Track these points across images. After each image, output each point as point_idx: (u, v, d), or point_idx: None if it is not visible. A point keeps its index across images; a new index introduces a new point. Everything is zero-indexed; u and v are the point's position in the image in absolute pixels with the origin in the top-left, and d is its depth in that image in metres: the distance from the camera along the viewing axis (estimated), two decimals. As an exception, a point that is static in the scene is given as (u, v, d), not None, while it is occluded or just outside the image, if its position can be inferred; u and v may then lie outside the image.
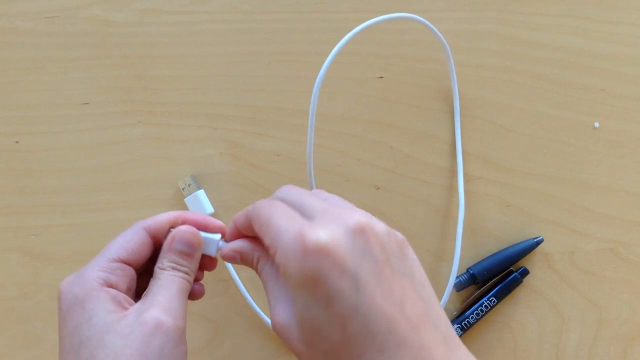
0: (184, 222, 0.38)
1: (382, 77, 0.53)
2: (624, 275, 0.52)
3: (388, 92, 0.53)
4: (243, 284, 0.51)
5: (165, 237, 0.38)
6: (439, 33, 0.50)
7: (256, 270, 0.35)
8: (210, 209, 0.51)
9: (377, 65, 0.53)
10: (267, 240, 0.33)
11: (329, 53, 0.49)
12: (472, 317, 0.51)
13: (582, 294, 0.52)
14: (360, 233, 0.31)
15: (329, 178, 0.52)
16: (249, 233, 0.36)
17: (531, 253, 0.52)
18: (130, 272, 0.36)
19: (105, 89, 0.52)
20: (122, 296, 0.35)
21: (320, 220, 0.31)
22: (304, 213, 0.32)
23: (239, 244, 0.36)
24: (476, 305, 0.51)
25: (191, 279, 0.37)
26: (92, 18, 0.52)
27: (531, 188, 0.52)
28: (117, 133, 0.52)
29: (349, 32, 0.52)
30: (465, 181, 0.52)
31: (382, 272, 0.30)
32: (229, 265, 0.51)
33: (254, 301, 0.51)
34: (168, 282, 0.36)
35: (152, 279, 0.36)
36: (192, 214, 0.38)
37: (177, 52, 0.52)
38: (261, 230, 0.33)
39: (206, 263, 0.39)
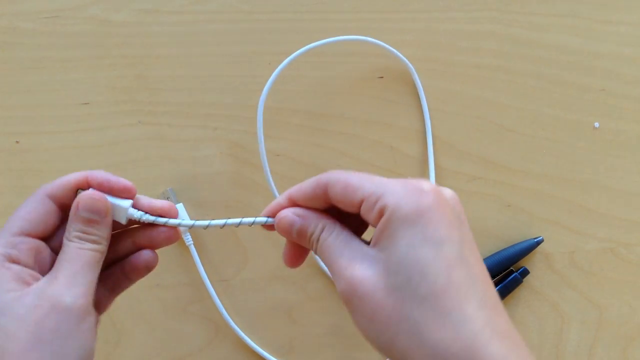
0: (90, 185, 0.36)
1: (382, 77, 0.53)
2: (624, 275, 0.52)
3: (388, 92, 0.53)
4: (243, 285, 0.51)
5: (72, 201, 0.36)
6: (398, 53, 0.51)
7: (313, 242, 0.33)
8: (189, 223, 0.50)
9: (377, 65, 0.53)
10: (361, 193, 0.32)
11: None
12: (472, 317, 0.51)
13: (582, 294, 0.52)
14: (457, 201, 0.32)
15: (329, 178, 0.52)
16: (313, 203, 0.34)
17: (531, 253, 0.52)
18: (36, 245, 0.35)
19: (105, 89, 0.52)
20: (28, 272, 0.34)
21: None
22: None
23: (301, 211, 0.34)
24: (476, 305, 0.51)
25: (102, 247, 0.35)
26: (92, 18, 0.52)
27: (531, 188, 0.52)
28: (117, 133, 0.52)
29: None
30: (465, 181, 0.52)
31: (472, 242, 0.32)
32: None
33: (255, 301, 0.51)
34: (73, 255, 0.34)
35: (60, 251, 0.35)
36: (98, 174, 0.36)
37: (177, 52, 0.52)
38: (348, 188, 0.32)
39: (161, 236, 0.37)
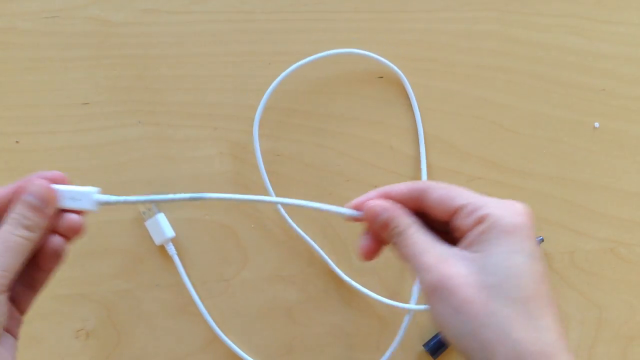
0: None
1: (382, 77, 0.53)
2: (624, 275, 0.52)
3: (388, 92, 0.53)
4: (244, 284, 0.51)
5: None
6: (386, 61, 0.51)
7: (397, 234, 0.35)
8: (170, 233, 0.50)
9: (377, 65, 0.53)
10: (460, 201, 0.35)
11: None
12: (472, 317, 0.51)
13: (582, 294, 0.52)
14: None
15: (329, 178, 0.52)
16: (403, 204, 0.37)
17: (531, 253, 0.52)
18: None
19: (105, 89, 0.52)
20: None
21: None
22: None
23: (390, 204, 0.36)
24: (476, 305, 0.51)
25: (34, 236, 0.34)
26: (92, 18, 0.52)
27: (531, 188, 0.52)
28: (117, 133, 0.52)
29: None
30: (465, 181, 0.52)
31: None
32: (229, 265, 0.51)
33: (255, 302, 0.51)
34: (1, 236, 0.34)
35: None
36: (33, 188, 0.35)
37: (177, 52, 0.52)
38: (450, 193, 0.35)
39: (70, 228, 0.36)
